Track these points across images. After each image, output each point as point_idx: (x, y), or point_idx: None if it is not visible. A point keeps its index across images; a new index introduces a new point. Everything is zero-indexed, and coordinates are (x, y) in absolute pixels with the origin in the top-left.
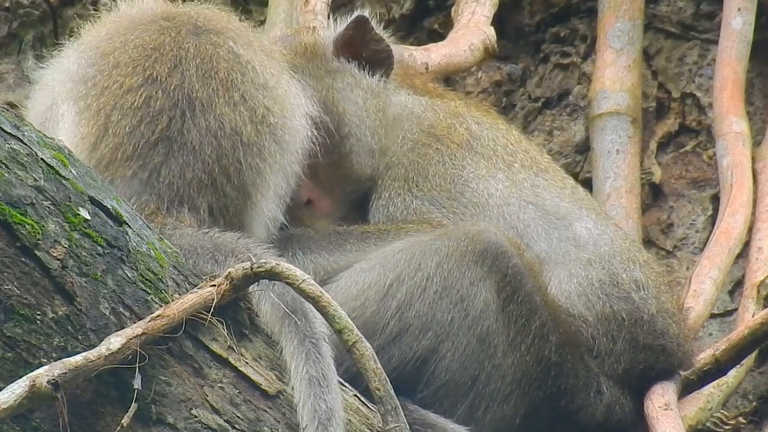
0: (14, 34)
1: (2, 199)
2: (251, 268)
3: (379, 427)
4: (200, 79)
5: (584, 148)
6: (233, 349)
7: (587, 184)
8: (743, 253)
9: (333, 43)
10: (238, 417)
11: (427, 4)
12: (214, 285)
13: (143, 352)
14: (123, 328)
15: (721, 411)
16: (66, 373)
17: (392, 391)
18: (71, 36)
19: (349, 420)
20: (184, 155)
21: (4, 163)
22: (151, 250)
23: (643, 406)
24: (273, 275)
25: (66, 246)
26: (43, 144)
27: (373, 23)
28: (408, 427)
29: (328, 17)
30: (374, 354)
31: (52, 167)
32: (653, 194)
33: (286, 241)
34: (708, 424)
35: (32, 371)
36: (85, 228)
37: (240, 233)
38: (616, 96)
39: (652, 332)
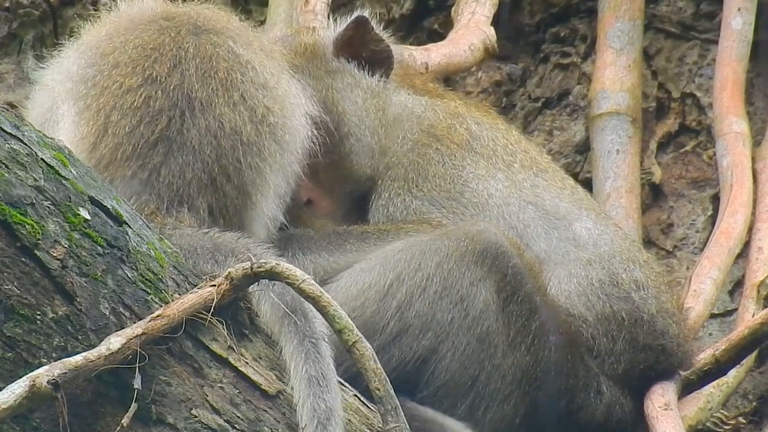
0: (14, 34)
1: (2, 199)
2: (251, 268)
3: (379, 427)
4: (200, 79)
5: (584, 148)
6: (233, 349)
7: (587, 184)
8: (743, 253)
9: (333, 43)
10: (238, 417)
11: (427, 4)
12: (214, 285)
13: (143, 352)
14: (123, 328)
15: (721, 411)
16: (66, 373)
17: (392, 391)
18: (71, 36)
19: (349, 420)
20: (183, 155)
21: (4, 163)
22: (151, 250)
23: (643, 406)
24: (273, 275)
25: (66, 246)
26: (43, 144)
27: (373, 23)
28: (408, 427)
29: (328, 17)
30: (374, 354)
31: (52, 167)
32: (653, 194)
33: (286, 241)
34: (708, 424)
35: (32, 371)
36: (85, 228)
37: (240, 233)
38: (616, 96)
39: (652, 332)
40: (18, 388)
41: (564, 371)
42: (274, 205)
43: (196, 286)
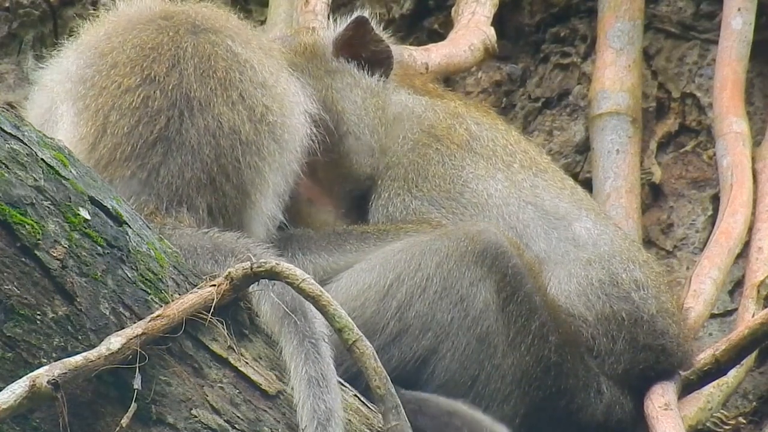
0: (14, 34)
1: (2, 199)
2: (251, 268)
3: (379, 426)
4: (198, 79)
5: (584, 148)
6: (233, 349)
7: (587, 184)
8: (743, 253)
9: (333, 43)
10: (238, 417)
11: (427, 4)
12: (214, 285)
13: (143, 352)
14: (123, 328)
15: (721, 411)
16: (66, 373)
17: (393, 390)
18: (71, 36)
19: (349, 420)
20: (182, 155)
21: (4, 163)
22: (151, 250)
23: (643, 406)
24: (273, 275)
25: (66, 246)
26: (43, 144)
27: (373, 24)
28: (409, 425)
29: (328, 18)
30: (374, 352)
31: (52, 167)
32: (653, 194)
33: (286, 241)
34: (708, 424)
35: (32, 371)
36: (85, 228)
37: (239, 233)
38: (616, 96)
39: (652, 332)
40: (18, 388)
41: (564, 371)
42: (273, 204)
43: (196, 286)
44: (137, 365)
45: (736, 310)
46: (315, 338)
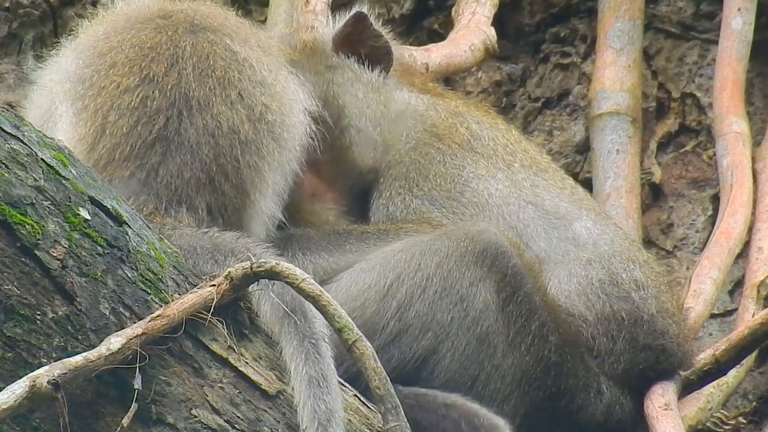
0: (14, 34)
1: (2, 199)
2: (251, 268)
3: (379, 426)
4: (197, 78)
5: (584, 148)
6: (233, 349)
7: (587, 184)
8: (743, 253)
9: (332, 39)
10: (238, 417)
11: (427, 4)
12: (214, 285)
13: (143, 352)
14: (123, 328)
15: (721, 411)
16: (66, 373)
17: (392, 390)
18: (71, 35)
19: (349, 420)
20: (181, 155)
21: (4, 163)
22: (151, 250)
23: (643, 406)
24: (273, 275)
25: (66, 246)
26: (43, 144)
27: (372, 19)
28: (408, 426)
29: (329, 17)
30: (374, 353)
31: (52, 167)
32: (653, 194)
33: (286, 241)
34: (708, 424)
35: (32, 371)
36: (85, 228)
37: (239, 232)
38: (616, 96)
39: (652, 332)
40: (18, 388)
41: (564, 371)
42: (272, 203)
43: (196, 286)
44: (137, 365)
45: (736, 310)
46: (315, 338)
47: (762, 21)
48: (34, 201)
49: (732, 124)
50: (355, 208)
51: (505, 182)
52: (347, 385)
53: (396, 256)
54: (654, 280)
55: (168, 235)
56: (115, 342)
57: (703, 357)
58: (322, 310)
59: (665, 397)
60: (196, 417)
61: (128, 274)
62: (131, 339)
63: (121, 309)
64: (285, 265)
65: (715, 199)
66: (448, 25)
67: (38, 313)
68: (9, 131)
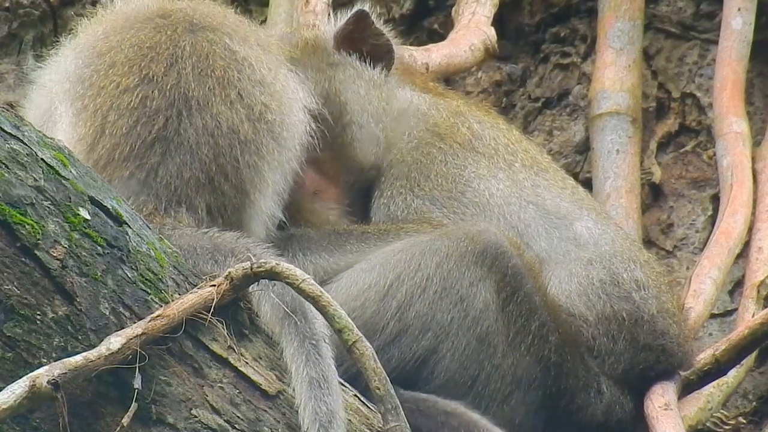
0: (14, 34)
1: (2, 199)
2: (251, 268)
3: (379, 426)
4: (196, 78)
5: (584, 148)
6: (233, 349)
7: (587, 184)
8: (743, 253)
9: (333, 37)
10: (238, 417)
11: (427, 4)
12: (214, 285)
13: (143, 352)
14: (123, 328)
15: (721, 411)
16: (66, 373)
17: (392, 390)
18: (70, 35)
19: (349, 420)
20: (181, 155)
21: (4, 163)
22: (151, 250)
23: (643, 406)
24: (273, 275)
25: (66, 246)
26: (43, 144)
27: (374, 17)
28: (408, 425)
29: (329, 17)
30: (374, 353)
31: (52, 167)
32: (653, 194)
33: (286, 241)
34: (708, 424)
35: (32, 371)
36: (85, 228)
37: (239, 232)
38: (616, 96)
39: (652, 332)
40: (18, 388)
41: (564, 371)
42: (272, 202)
43: (196, 286)
44: (137, 365)
45: (736, 310)
46: (316, 339)
47: (762, 21)
48: (34, 201)
49: (732, 124)
50: (357, 207)
51: (506, 182)
52: (347, 385)
53: (396, 256)
54: (655, 280)
55: (168, 235)
56: (115, 342)
57: (703, 357)
58: (322, 310)
59: (665, 397)
60: (196, 417)
61: (128, 274)
62: (131, 339)
63: (121, 309)
64: (285, 266)
65: (715, 199)
66: (448, 25)
67: (38, 313)
68: (9, 131)
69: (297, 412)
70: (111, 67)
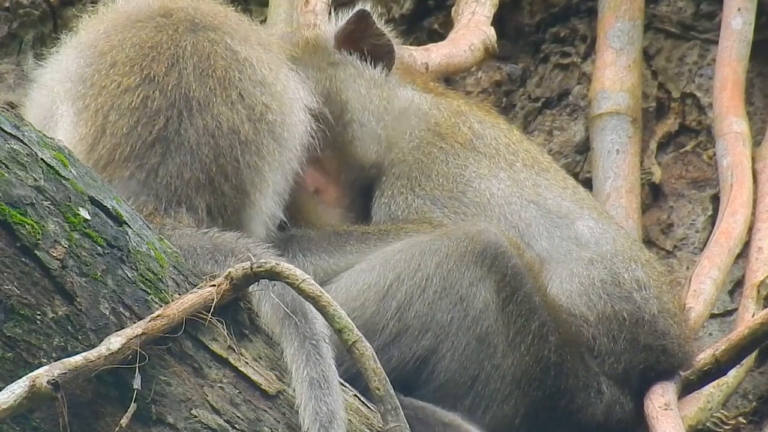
0: (14, 34)
1: (2, 199)
2: (251, 268)
3: (379, 426)
4: (197, 78)
5: (584, 148)
6: (233, 349)
7: (587, 184)
8: (743, 253)
9: (334, 36)
10: (238, 417)
11: (427, 4)
12: (214, 285)
13: (143, 352)
14: (123, 328)
15: (721, 411)
16: (66, 373)
17: (392, 391)
18: (71, 32)
19: (349, 420)
20: (181, 155)
21: (4, 163)
22: (151, 250)
23: (643, 406)
24: (273, 275)
25: (66, 246)
26: (43, 144)
27: (375, 17)
28: (408, 426)
29: (331, 15)
30: (374, 353)
31: (52, 167)
32: (653, 194)
33: (286, 242)
34: (708, 424)
35: (32, 371)
36: (85, 228)
37: (239, 233)
38: (616, 96)
39: (653, 332)
40: (18, 388)
41: (564, 371)
42: (273, 203)
43: (196, 286)
44: (137, 365)
45: (736, 310)
46: (316, 339)
47: (762, 21)
48: (34, 201)
49: (732, 124)
50: (357, 206)
51: (507, 182)
52: (347, 385)
53: (396, 256)
54: (656, 280)
55: (168, 236)
56: (115, 342)
57: (703, 357)
58: (322, 310)
59: (665, 397)
60: (196, 417)
61: (128, 274)
62: (131, 339)
63: (121, 309)
64: (285, 266)
65: (715, 199)
66: (448, 25)
67: (38, 313)
68: (9, 131)
69: (297, 412)
70: (112, 66)
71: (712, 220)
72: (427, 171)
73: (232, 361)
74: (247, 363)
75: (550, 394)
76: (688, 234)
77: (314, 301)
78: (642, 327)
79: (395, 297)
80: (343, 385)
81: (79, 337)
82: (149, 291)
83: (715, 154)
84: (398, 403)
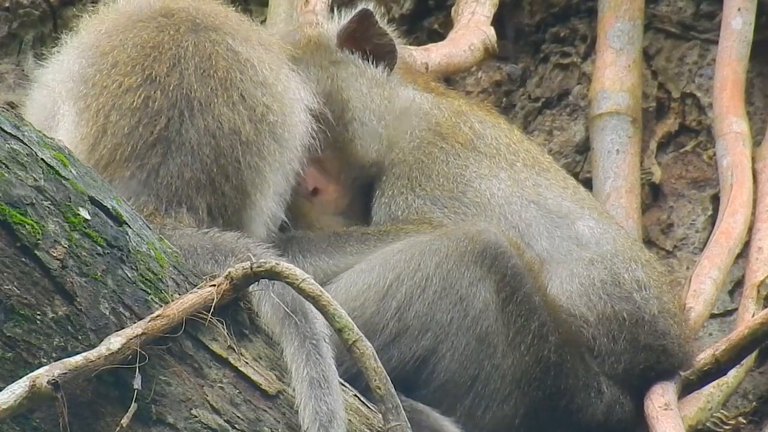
0: (14, 34)
1: (2, 199)
2: (251, 268)
3: (380, 426)
4: (199, 79)
5: (584, 148)
6: (233, 349)
7: (587, 184)
8: (743, 253)
9: (336, 35)
10: (238, 417)
11: (427, 4)
12: (214, 285)
13: (143, 352)
14: (123, 328)
15: (721, 411)
16: (66, 373)
17: (393, 390)
18: (72, 32)
19: (349, 420)
20: (182, 155)
21: (4, 163)
22: (151, 250)
23: (643, 406)
24: (273, 275)
25: (66, 246)
26: (43, 144)
27: (377, 17)
28: (409, 426)
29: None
30: (374, 352)
31: (52, 167)
32: (653, 194)
33: (286, 243)
34: (708, 424)
35: (32, 371)
36: (85, 228)
37: (239, 233)
38: (616, 96)
39: (653, 332)
40: (18, 388)
41: (564, 371)
42: (273, 203)
43: (196, 286)
44: (137, 365)
45: (736, 310)
46: (316, 339)
47: (762, 21)
48: (34, 201)
49: (732, 124)
50: (357, 206)
51: (507, 182)
52: (347, 385)
53: (395, 256)
54: (656, 280)
55: (168, 236)
56: (115, 342)
57: (703, 357)
58: (323, 310)
59: (665, 397)
60: (196, 417)
61: (128, 274)
62: (131, 339)
63: (121, 309)
64: (285, 265)
65: (715, 199)
66: (448, 25)
67: (38, 313)
68: (9, 131)
69: (297, 412)
70: (114, 66)
71: (712, 220)
72: (427, 171)
73: (232, 361)
74: (247, 363)
75: (550, 394)
76: (688, 234)
77: (314, 300)
78: (642, 327)
79: (395, 297)
80: (343, 384)
81: (79, 337)
82: (149, 291)
83: (715, 154)
84: (399, 402)
